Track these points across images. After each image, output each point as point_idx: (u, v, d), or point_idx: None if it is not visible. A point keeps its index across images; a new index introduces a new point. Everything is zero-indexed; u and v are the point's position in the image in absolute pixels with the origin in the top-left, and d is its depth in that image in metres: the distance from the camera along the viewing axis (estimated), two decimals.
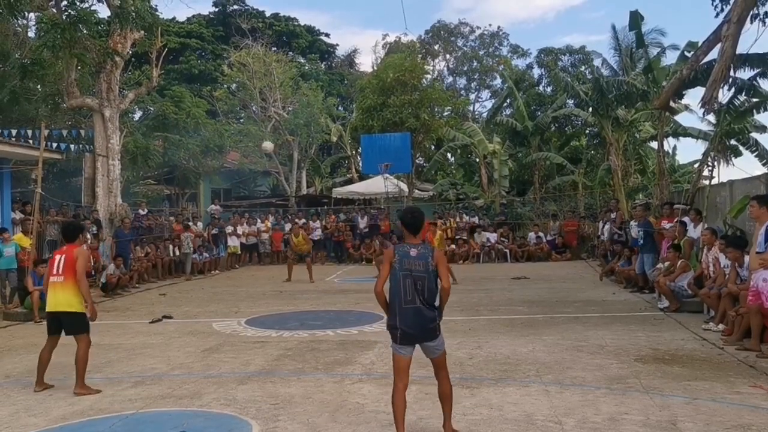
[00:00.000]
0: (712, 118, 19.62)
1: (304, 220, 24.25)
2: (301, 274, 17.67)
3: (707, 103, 11.89)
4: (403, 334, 5.06)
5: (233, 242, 22.60)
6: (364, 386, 6.82)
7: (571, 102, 28.70)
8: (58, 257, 7.11)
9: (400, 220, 5.44)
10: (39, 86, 19.94)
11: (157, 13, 19.36)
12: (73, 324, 6.94)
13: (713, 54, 13.07)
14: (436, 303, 5.15)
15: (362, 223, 24.56)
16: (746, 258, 8.81)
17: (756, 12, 11.76)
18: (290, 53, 40.52)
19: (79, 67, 18.28)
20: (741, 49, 12.35)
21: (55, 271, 7.00)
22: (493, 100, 41.63)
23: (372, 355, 8.35)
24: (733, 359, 7.62)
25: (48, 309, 7.09)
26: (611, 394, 6.29)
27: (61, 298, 6.92)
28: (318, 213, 26.14)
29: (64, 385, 7.02)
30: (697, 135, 24.55)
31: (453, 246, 22.35)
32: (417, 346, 5.18)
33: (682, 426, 5.33)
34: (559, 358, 7.78)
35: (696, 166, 21.30)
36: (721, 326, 9.09)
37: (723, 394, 6.23)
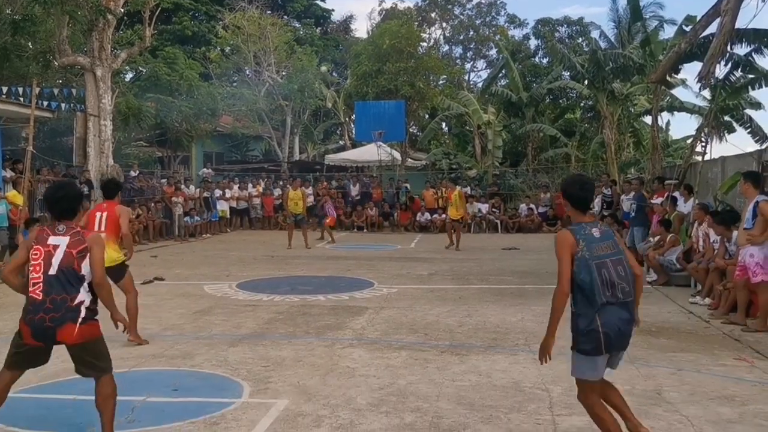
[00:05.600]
0: (707, 93, 19.63)
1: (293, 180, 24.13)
2: (297, 239, 17.58)
3: (704, 77, 11.90)
4: (608, 339, 3.95)
5: (222, 206, 22.54)
6: (355, 351, 6.89)
7: (566, 74, 28.57)
8: (98, 214, 7.24)
9: (563, 193, 4.28)
10: (30, 43, 19.66)
11: None
12: (119, 273, 7.12)
13: (711, 28, 13.06)
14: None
15: (354, 190, 24.54)
16: (734, 233, 8.89)
17: None
18: (285, 17, 39.93)
19: (70, 25, 18.03)
20: (739, 23, 12.32)
21: (96, 227, 7.09)
22: (488, 70, 41.38)
23: (362, 320, 8.42)
24: (719, 332, 7.74)
25: None
26: None
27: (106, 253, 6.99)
28: (312, 179, 26.10)
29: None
30: (692, 110, 24.56)
31: (444, 215, 22.38)
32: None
33: (666, 396, 5.43)
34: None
35: (689, 141, 21.35)
36: (708, 300, 9.21)
37: (708, 365, 6.33)
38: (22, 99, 16.77)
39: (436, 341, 7.33)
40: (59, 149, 22.84)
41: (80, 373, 4.50)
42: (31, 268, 4.28)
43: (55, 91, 18.85)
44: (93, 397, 5.33)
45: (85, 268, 4.31)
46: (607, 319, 3.94)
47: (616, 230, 4.34)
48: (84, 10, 17.15)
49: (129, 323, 6.84)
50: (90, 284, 4.33)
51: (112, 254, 7.06)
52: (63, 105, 19.07)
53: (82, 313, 4.25)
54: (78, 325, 4.23)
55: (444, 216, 19.26)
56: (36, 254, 4.27)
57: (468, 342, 7.29)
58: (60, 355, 6.61)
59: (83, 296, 4.28)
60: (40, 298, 4.22)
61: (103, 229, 7.10)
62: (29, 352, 4.39)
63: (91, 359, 4.38)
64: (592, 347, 3.98)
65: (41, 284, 4.23)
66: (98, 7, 17.36)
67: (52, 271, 4.22)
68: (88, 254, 4.33)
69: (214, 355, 6.70)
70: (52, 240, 4.31)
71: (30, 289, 4.28)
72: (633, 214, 13.66)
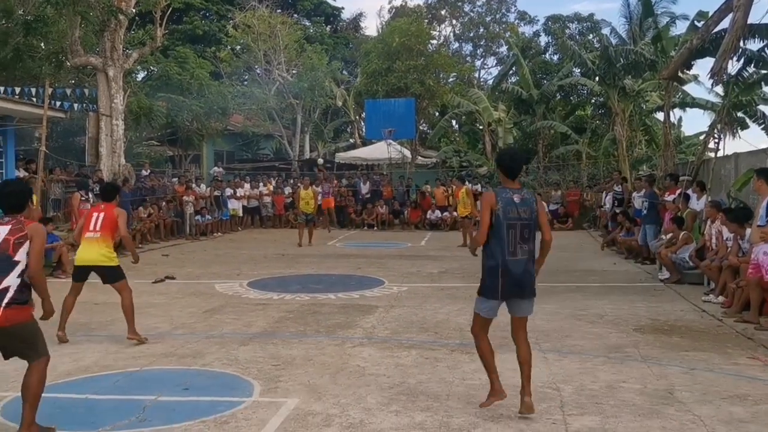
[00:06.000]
0: (720, 89, 19.44)
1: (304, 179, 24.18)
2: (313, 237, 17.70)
3: (716, 74, 11.80)
4: (505, 288, 4.79)
5: (233, 205, 22.61)
6: (365, 350, 6.89)
7: (577, 71, 28.39)
8: (95, 215, 7.37)
9: (496, 162, 5.24)
10: (42, 44, 19.75)
11: None
12: (112, 275, 7.25)
13: (724, 24, 12.94)
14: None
15: (364, 188, 24.54)
16: (748, 231, 8.82)
17: None
18: (295, 15, 39.98)
19: (82, 25, 18.10)
20: (752, 19, 12.21)
21: (92, 228, 7.23)
22: (498, 68, 41.27)
23: (373, 319, 8.42)
24: (732, 331, 7.68)
25: (80, 263, 7.34)
26: (609, 363, 6.36)
27: (98, 253, 7.16)
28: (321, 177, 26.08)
29: (70, 342, 7.11)
30: (705, 106, 24.35)
31: (455, 213, 22.36)
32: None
33: (678, 395, 5.40)
34: (559, 327, 7.85)
35: (702, 137, 21.18)
36: (721, 298, 9.14)
37: (720, 364, 6.29)
38: (35, 99, 16.86)
39: (446, 340, 7.32)
40: (72, 149, 23.00)
41: (4, 355, 4.59)
42: None
43: (68, 91, 18.95)
44: (107, 396, 5.39)
45: (20, 254, 4.45)
46: (506, 271, 4.77)
47: (539, 198, 5.07)
48: (96, 10, 17.22)
49: (127, 321, 7.10)
50: (23, 271, 4.45)
51: (107, 254, 7.19)
52: (75, 105, 19.17)
53: (7, 298, 4.37)
54: (2, 308, 4.35)
55: (455, 214, 19.23)
56: None
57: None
58: (72, 353, 6.69)
59: (11, 281, 4.41)
60: None
61: (98, 229, 7.19)
62: None
63: (18, 344, 4.51)
64: (491, 293, 4.87)
65: None
66: (110, 8, 17.43)
67: None
68: (27, 242, 4.47)
69: (224, 354, 6.73)
70: None
71: None
72: (645, 211, 13.58)
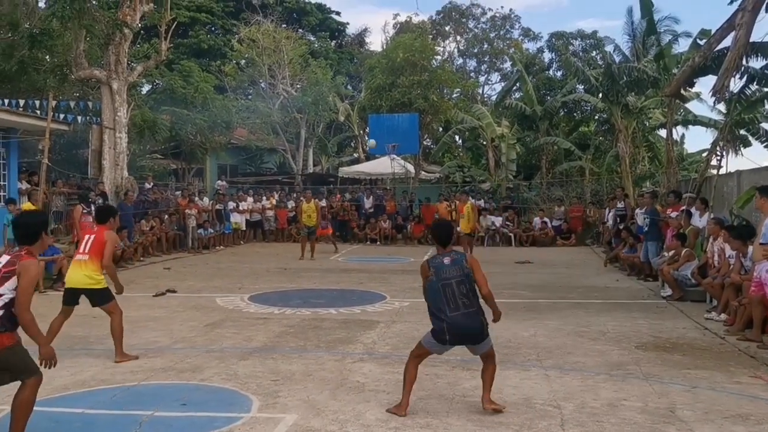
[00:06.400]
0: (722, 107, 19.46)
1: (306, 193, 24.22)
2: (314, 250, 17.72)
3: (718, 91, 11.80)
4: (454, 339, 5.27)
5: (236, 218, 22.62)
6: (365, 365, 6.86)
7: (580, 87, 28.46)
8: (87, 237, 7.33)
9: (431, 233, 6.11)
10: (47, 57, 19.87)
11: None
12: (99, 298, 7.17)
13: (726, 42, 12.97)
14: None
15: (368, 203, 24.53)
16: (750, 248, 8.78)
17: None
18: (300, 30, 40.24)
19: (87, 38, 18.20)
20: (754, 37, 12.24)
21: (82, 250, 7.19)
22: (502, 83, 41.39)
23: (374, 334, 8.38)
24: (734, 349, 7.63)
25: (68, 285, 7.28)
26: (611, 380, 6.31)
27: (84, 276, 7.07)
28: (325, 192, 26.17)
29: (68, 356, 7.07)
30: (707, 124, 24.37)
31: (458, 228, 22.33)
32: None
33: (680, 414, 5.35)
34: (560, 343, 7.80)
35: (704, 155, 21.17)
36: (723, 316, 9.08)
37: (723, 383, 6.24)
38: (38, 112, 16.94)
39: (447, 356, 7.21)
40: (75, 162, 23.05)
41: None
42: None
43: (72, 104, 19.01)
44: (103, 411, 5.36)
45: (5, 287, 4.43)
46: (452, 324, 5.17)
47: (470, 257, 5.64)
48: (101, 24, 17.33)
49: (115, 344, 7.05)
50: (4, 304, 4.42)
51: (94, 277, 7.07)
52: (79, 118, 19.25)
53: None
54: None
55: (458, 229, 19.17)
56: None
57: (479, 357, 7.21)
58: (69, 367, 6.66)
59: None
60: None
61: (87, 251, 7.12)
62: None
63: (4, 368, 4.51)
64: (440, 340, 5.27)
65: None
66: (115, 22, 17.55)
67: None
68: (14, 277, 4.45)
69: (224, 369, 6.69)
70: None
71: None
72: (646, 228, 13.55)
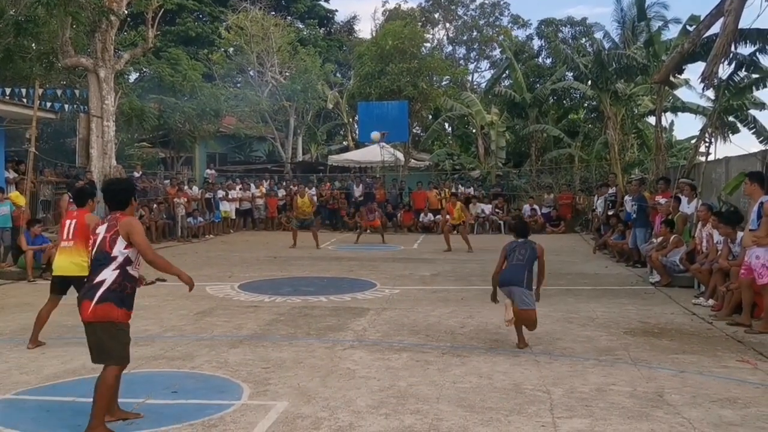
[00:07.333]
0: (711, 93, 19.48)
1: (299, 186, 24.18)
2: (304, 240, 17.57)
3: (707, 78, 11.81)
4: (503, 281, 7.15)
5: (225, 207, 22.55)
6: (356, 352, 6.87)
7: (570, 75, 28.48)
8: (68, 222, 7.10)
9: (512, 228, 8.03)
10: (33, 44, 19.65)
11: None
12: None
13: (715, 28, 12.97)
14: None
15: (357, 191, 24.51)
16: (739, 234, 8.85)
17: None
18: (288, 18, 39.91)
19: (73, 26, 18.04)
20: (743, 23, 12.25)
21: (65, 236, 7.01)
22: (492, 71, 41.34)
23: (364, 321, 8.40)
24: (722, 334, 7.69)
25: (56, 273, 7.08)
26: (599, 365, 6.36)
27: (71, 263, 6.92)
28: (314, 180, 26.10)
29: (58, 344, 7.06)
30: (696, 110, 24.46)
31: (448, 216, 22.36)
32: None
33: (668, 398, 5.40)
34: (550, 330, 7.84)
35: (693, 142, 21.27)
36: (711, 301, 9.16)
37: (710, 367, 6.30)
38: (25, 100, 16.75)
39: (437, 343, 7.30)
40: (62, 150, 22.89)
41: (91, 357, 4.72)
42: None
43: (59, 92, 18.84)
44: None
45: (116, 250, 4.66)
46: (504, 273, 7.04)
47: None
48: (87, 11, 17.16)
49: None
50: (119, 264, 4.65)
51: (81, 264, 6.79)
52: (66, 106, 19.07)
53: (99, 293, 4.55)
54: (93, 303, 4.52)
55: (448, 217, 19.16)
56: (92, 244, 4.86)
57: (469, 344, 7.26)
58: (59, 356, 6.64)
59: (105, 275, 4.63)
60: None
61: (71, 237, 6.96)
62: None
63: (98, 341, 4.60)
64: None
65: (90, 265, 4.82)
66: (101, 9, 17.38)
67: (92, 255, 4.79)
68: (119, 237, 4.66)
69: (214, 357, 6.69)
70: (99, 229, 4.84)
71: None
72: (634, 215, 13.62)
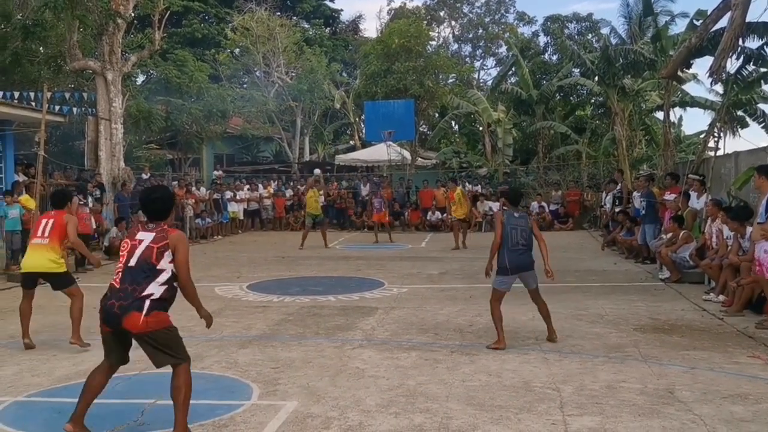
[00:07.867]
0: (719, 88, 19.39)
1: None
2: (310, 241, 17.54)
3: (715, 72, 11.77)
4: (513, 269, 7.06)
5: (233, 208, 22.59)
6: (365, 351, 6.88)
7: (576, 71, 28.34)
8: (44, 221, 7.30)
9: (505, 196, 8.51)
10: (41, 48, 19.77)
11: None
12: (61, 281, 7.23)
13: (722, 22, 12.91)
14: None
15: (364, 190, 24.50)
16: (749, 229, 8.79)
17: None
18: (294, 18, 39.95)
19: (81, 29, 18.11)
20: (750, 17, 12.19)
21: (40, 234, 7.17)
22: (498, 68, 41.26)
23: (373, 320, 8.40)
24: (733, 330, 7.66)
25: (26, 269, 7.28)
26: (609, 363, 6.34)
27: (44, 259, 7.08)
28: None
29: (68, 346, 7.08)
30: (704, 105, 24.32)
31: (451, 216, 22.33)
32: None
33: (679, 394, 5.38)
34: (559, 327, 7.80)
35: (702, 137, 21.14)
36: (721, 297, 9.11)
37: (721, 363, 6.27)
38: (33, 104, 16.83)
39: (446, 341, 7.30)
40: (71, 153, 22.97)
41: (154, 363, 4.63)
42: (119, 258, 4.62)
43: (67, 95, 18.94)
44: (105, 400, 5.38)
45: (163, 263, 4.49)
46: (511, 258, 6.96)
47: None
48: (94, 14, 17.23)
49: (72, 326, 7.08)
50: (167, 279, 4.51)
51: (54, 261, 7.09)
52: (74, 109, 19.17)
53: (147, 304, 4.44)
54: (143, 315, 4.43)
55: (450, 217, 19.12)
56: (124, 246, 4.61)
57: (478, 342, 7.25)
58: (71, 358, 6.67)
59: (153, 289, 4.47)
60: (118, 286, 4.53)
61: (46, 235, 7.11)
62: (107, 341, 4.69)
63: (161, 348, 4.53)
64: (503, 272, 7.02)
65: (121, 273, 4.54)
66: (108, 12, 17.45)
67: (132, 263, 4.50)
68: (168, 251, 4.50)
69: (224, 357, 6.71)
70: (140, 235, 4.60)
71: (114, 277, 4.60)
72: (643, 211, 13.56)
